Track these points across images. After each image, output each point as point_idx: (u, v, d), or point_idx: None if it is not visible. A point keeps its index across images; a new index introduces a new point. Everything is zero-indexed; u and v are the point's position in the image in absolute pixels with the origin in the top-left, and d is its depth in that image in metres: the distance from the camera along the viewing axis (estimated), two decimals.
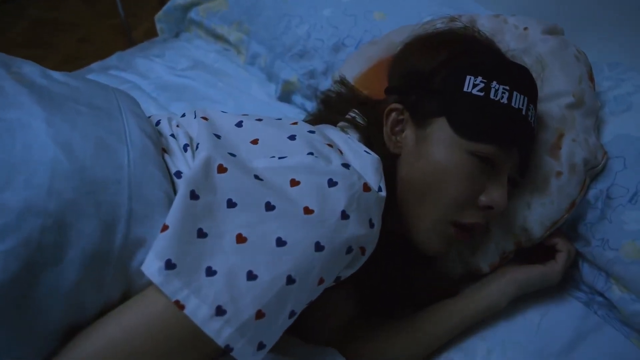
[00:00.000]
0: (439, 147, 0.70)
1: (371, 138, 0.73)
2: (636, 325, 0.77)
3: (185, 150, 0.64)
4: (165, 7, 1.46)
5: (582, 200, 0.81)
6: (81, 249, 0.51)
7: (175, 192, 0.60)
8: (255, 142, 0.63)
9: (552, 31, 0.89)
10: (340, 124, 0.76)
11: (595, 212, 0.80)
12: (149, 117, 0.71)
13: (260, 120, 0.67)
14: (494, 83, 0.69)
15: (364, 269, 0.63)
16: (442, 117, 0.70)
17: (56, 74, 0.65)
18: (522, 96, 0.70)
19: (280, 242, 0.54)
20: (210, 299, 0.50)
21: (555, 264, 0.79)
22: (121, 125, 0.61)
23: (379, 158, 0.65)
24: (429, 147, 0.70)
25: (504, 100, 0.69)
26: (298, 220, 0.55)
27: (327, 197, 0.57)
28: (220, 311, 0.50)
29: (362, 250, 0.61)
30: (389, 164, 0.70)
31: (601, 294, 0.81)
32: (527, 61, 0.83)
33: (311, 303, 0.59)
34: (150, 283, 0.52)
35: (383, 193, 0.62)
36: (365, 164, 0.64)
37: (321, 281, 0.56)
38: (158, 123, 0.70)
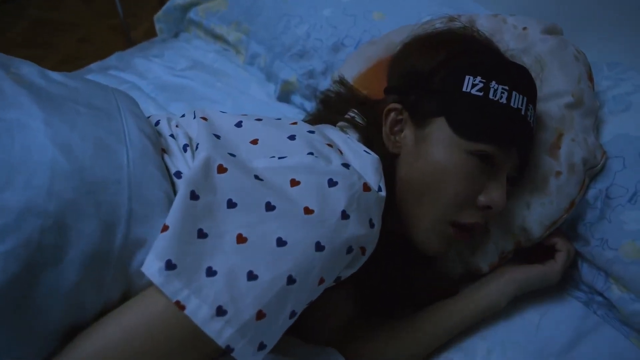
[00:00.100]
0: (438, 147, 0.70)
1: (370, 138, 0.73)
2: (636, 325, 0.78)
3: (185, 151, 0.64)
4: (164, 7, 1.46)
5: (582, 200, 0.81)
6: (81, 250, 0.51)
7: (175, 192, 0.60)
8: (255, 142, 0.63)
9: (551, 31, 0.89)
10: (340, 123, 0.76)
11: (595, 212, 0.80)
12: (148, 117, 0.71)
13: (259, 120, 0.67)
14: (493, 83, 0.69)
15: (364, 269, 0.64)
16: (441, 117, 0.70)
17: (55, 75, 0.65)
18: (521, 96, 0.70)
19: (280, 242, 0.54)
20: (211, 299, 0.50)
21: (555, 263, 0.79)
22: (120, 126, 0.61)
23: (379, 158, 0.66)
24: (428, 147, 0.71)
25: (503, 100, 0.69)
26: (298, 220, 0.55)
27: (327, 197, 0.57)
28: (220, 311, 0.50)
29: (363, 250, 0.61)
30: (388, 164, 0.70)
31: (600, 294, 0.81)
32: (527, 61, 0.83)
33: (311, 303, 0.59)
34: (150, 283, 0.52)
35: (383, 193, 0.62)
36: (365, 163, 0.64)
37: (321, 281, 0.56)
38: (157, 123, 0.70)
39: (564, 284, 0.85)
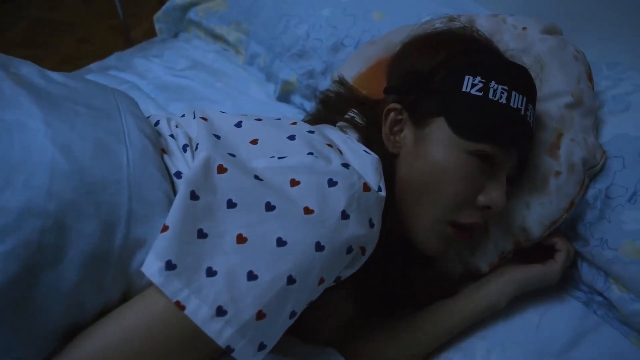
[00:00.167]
0: (438, 147, 0.70)
1: (370, 138, 0.73)
2: (635, 325, 0.78)
3: (185, 151, 0.64)
4: (164, 7, 1.46)
5: (581, 200, 0.81)
6: (81, 250, 0.51)
7: (175, 192, 0.60)
8: (254, 142, 0.63)
9: (550, 31, 0.89)
10: (339, 123, 0.76)
11: (594, 211, 0.80)
12: (148, 117, 0.71)
13: (259, 120, 0.67)
14: (493, 83, 0.69)
15: (364, 269, 0.64)
16: (441, 117, 0.70)
17: (54, 75, 0.65)
18: (520, 96, 0.70)
19: (280, 242, 0.54)
20: (211, 299, 0.50)
21: (555, 263, 0.79)
22: (120, 126, 0.61)
23: (379, 158, 0.66)
24: (428, 147, 0.71)
25: (503, 100, 0.69)
26: (298, 220, 0.55)
27: (327, 197, 0.57)
28: (220, 312, 0.50)
29: (362, 250, 0.61)
30: (388, 164, 0.70)
31: (600, 294, 0.82)
32: (526, 61, 0.83)
33: (311, 303, 0.59)
34: (150, 283, 0.52)
35: (383, 193, 0.62)
36: (365, 163, 0.64)
37: (321, 281, 0.56)
38: (157, 123, 0.70)
39: (564, 283, 0.85)
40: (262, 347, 0.53)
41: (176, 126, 0.68)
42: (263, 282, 0.52)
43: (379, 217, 0.62)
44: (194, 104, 1.17)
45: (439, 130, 0.70)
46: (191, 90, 1.24)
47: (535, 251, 0.82)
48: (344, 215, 0.57)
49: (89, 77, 1.25)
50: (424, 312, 0.78)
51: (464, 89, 0.70)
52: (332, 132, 0.71)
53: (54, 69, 0.68)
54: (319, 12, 1.17)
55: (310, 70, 1.16)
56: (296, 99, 1.21)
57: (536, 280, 0.79)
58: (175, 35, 1.47)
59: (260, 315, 0.52)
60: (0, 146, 0.51)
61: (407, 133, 0.73)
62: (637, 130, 0.82)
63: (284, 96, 1.23)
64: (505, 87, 0.70)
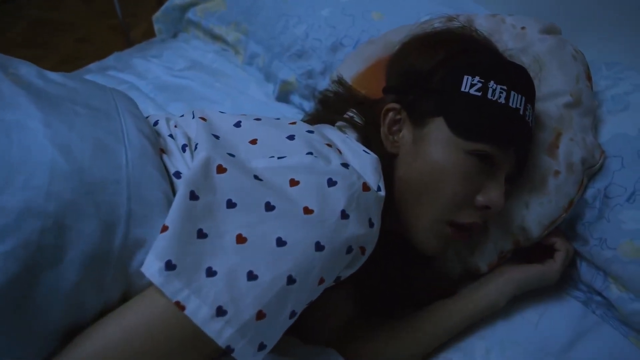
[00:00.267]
0: (437, 146, 0.70)
1: (369, 138, 0.73)
2: (634, 324, 0.78)
3: (184, 151, 0.64)
4: (163, 8, 1.46)
5: (580, 200, 0.81)
6: (81, 250, 0.51)
7: (174, 192, 0.60)
8: (254, 142, 0.63)
9: (549, 30, 0.89)
10: (338, 123, 0.76)
11: (593, 211, 0.80)
12: (147, 117, 0.71)
13: (258, 120, 0.67)
14: (492, 83, 0.69)
15: (363, 268, 0.64)
16: (440, 117, 0.70)
17: (53, 75, 0.65)
18: (519, 96, 0.71)
19: (280, 242, 0.54)
20: (211, 299, 0.50)
21: (554, 263, 0.79)
22: (119, 126, 0.61)
23: (378, 158, 0.66)
24: (427, 147, 0.71)
25: (502, 100, 0.69)
26: (298, 220, 0.55)
27: (327, 197, 0.57)
28: (220, 312, 0.50)
29: (362, 250, 0.61)
30: (387, 164, 0.70)
31: (599, 293, 0.82)
32: (525, 61, 0.83)
33: (311, 303, 0.59)
34: (150, 284, 0.52)
35: (382, 192, 0.62)
36: (364, 163, 0.64)
37: (321, 281, 0.56)
38: (156, 123, 0.70)
39: (563, 283, 0.85)
40: (262, 347, 0.53)
41: (175, 126, 0.68)
42: (263, 282, 0.52)
43: (378, 216, 0.62)
44: (193, 104, 1.17)
45: (438, 130, 0.70)
46: (190, 91, 1.24)
47: (534, 251, 0.82)
48: (344, 215, 0.57)
49: (88, 77, 1.25)
50: (424, 312, 0.78)
51: (462, 89, 0.70)
52: (331, 132, 0.71)
53: (53, 69, 0.68)
54: (318, 12, 1.18)
55: (309, 70, 1.16)
56: (295, 99, 1.21)
57: (535, 280, 0.79)
58: (174, 36, 1.47)
59: (260, 315, 0.52)
60: None
61: (406, 133, 0.73)
62: (636, 130, 0.82)
63: (283, 96, 1.23)
64: (504, 87, 0.70)
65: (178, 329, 0.51)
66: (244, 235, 0.54)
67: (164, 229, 0.52)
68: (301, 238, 0.55)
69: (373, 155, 0.65)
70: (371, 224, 0.60)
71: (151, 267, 0.51)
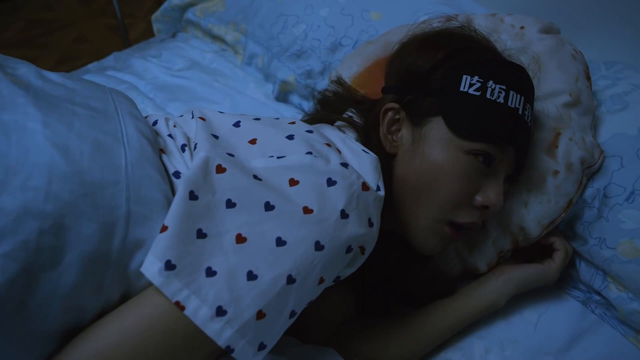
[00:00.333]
0: (435, 146, 0.70)
1: (368, 137, 0.73)
2: (634, 324, 0.78)
3: (183, 151, 0.64)
4: (162, 8, 1.46)
5: (579, 199, 0.81)
6: (79, 251, 0.51)
7: (173, 192, 0.59)
8: (253, 142, 0.63)
9: (548, 30, 0.89)
10: (338, 123, 0.76)
11: (592, 211, 0.80)
12: (146, 117, 0.71)
13: (258, 120, 0.67)
14: (491, 82, 0.69)
15: (363, 268, 0.64)
16: (439, 117, 0.70)
17: (52, 75, 0.65)
18: (518, 95, 0.71)
19: (280, 242, 0.54)
20: (211, 299, 0.50)
21: (553, 262, 0.79)
22: (118, 126, 0.61)
23: (377, 157, 0.66)
24: (425, 147, 0.70)
25: (500, 100, 0.69)
26: (297, 220, 0.55)
27: (327, 197, 0.57)
28: (220, 312, 0.50)
29: (362, 249, 0.61)
30: (386, 164, 0.70)
31: (598, 293, 0.82)
32: (524, 60, 0.83)
33: (311, 303, 0.59)
34: (149, 284, 0.52)
35: (382, 192, 0.62)
36: (364, 163, 0.64)
37: (321, 281, 0.56)
38: (155, 123, 0.69)
39: (562, 283, 0.85)
40: (262, 347, 0.53)
41: (174, 126, 0.68)
42: (263, 282, 0.52)
43: (378, 216, 0.62)
44: (192, 104, 1.17)
45: (437, 130, 0.70)
46: (189, 91, 1.24)
47: (533, 250, 0.82)
48: (343, 215, 0.57)
49: (87, 77, 1.25)
50: (423, 311, 0.78)
51: (461, 89, 0.70)
52: (331, 132, 0.71)
53: (51, 69, 0.67)
54: (317, 12, 1.17)
55: (308, 70, 1.16)
56: (294, 98, 1.21)
57: (535, 280, 0.79)
58: (173, 36, 1.47)
59: (260, 315, 0.52)
60: None
61: (405, 133, 0.73)
62: (635, 130, 0.82)
63: (282, 96, 1.23)
64: (503, 87, 0.70)
65: (178, 329, 0.51)
66: (243, 235, 0.54)
67: (164, 229, 0.52)
68: (301, 238, 0.55)
69: (372, 155, 0.65)
70: (371, 224, 0.60)
71: (151, 267, 0.51)
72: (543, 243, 0.82)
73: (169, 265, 0.51)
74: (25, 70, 0.63)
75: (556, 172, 0.79)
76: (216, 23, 1.36)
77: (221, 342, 0.50)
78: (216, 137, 0.63)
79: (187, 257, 0.52)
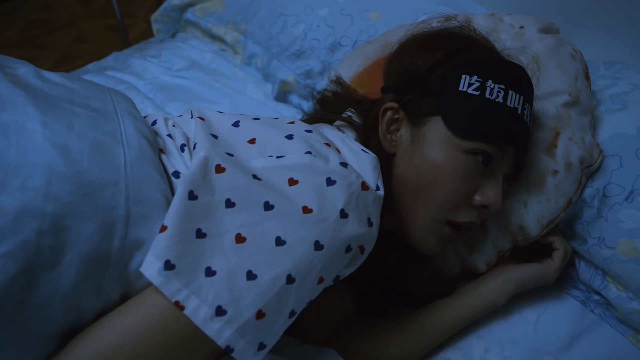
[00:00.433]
0: (434, 146, 0.70)
1: (367, 137, 0.73)
2: (633, 323, 0.78)
3: (183, 150, 0.64)
4: (161, 8, 1.46)
5: (579, 199, 0.81)
6: (79, 252, 0.51)
7: (173, 192, 0.59)
8: (252, 141, 0.63)
9: (548, 30, 0.89)
10: (337, 123, 0.76)
11: (592, 210, 0.80)
12: (145, 117, 0.71)
13: (257, 119, 0.67)
14: (490, 82, 0.69)
15: (362, 267, 0.64)
16: (438, 116, 0.70)
17: (51, 75, 0.65)
18: (517, 95, 0.71)
19: (279, 242, 0.54)
20: (210, 299, 0.50)
21: (552, 262, 0.79)
22: (117, 126, 0.60)
23: (377, 157, 0.66)
24: (424, 147, 0.71)
25: (500, 100, 0.69)
26: (297, 220, 0.55)
27: (326, 196, 0.57)
28: (220, 312, 0.50)
29: (361, 249, 0.61)
30: (385, 163, 0.70)
31: (598, 292, 0.82)
32: (523, 60, 0.83)
33: (310, 302, 0.59)
34: (149, 284, 0.52)
35: (381, 192, 0.62)
36: (363, 162, 0.64)
37: (321, 280, 0.56)
38: (154, 123, 0.69)
39: (562, 282, 0.85)
40: (261, 347, 0.53)
41: (173, 126, 0.68)
42: (262, 281, 0.52)
43: (377, 216, 0.62)
44: (191, 104, 1.17)
45: (436, 130, 0.70)
46: (189, 91, 1.24)
47: (532, 250, 0.82)
48: (343, 214, 0.57)
49: (86, 77, 1.25)
50: (423, 311, 0.78)
51: (460, 88, 0.70)
52: (330, 131, 0.71)
53: (51, 69, 0.67)
54: (316, 12, 1.17)
55: (307, 70, 1.16)
56: (294, 98, 1.21)
57: (534, 279, 0.79)
58: (173, 36, 1.47)
59: (259, 315, 0.52)
60: None
61: (404, 132, 0.73)
62: (634, 129, 0.82)
63: (282, 96, 1.23)
64: (502, 86, 0.70)
65: (177, 329, 0.51)
66: (243, 234, 0.54)
67: (163, 228, 0.52)
68: (300, 237, 0.55)
69: (372, 155, 0.65)
70: (370, 223, 0.60)
71: (150, 267, 0.51)
72: (542, 243, 0.82)
73: (169, 265, 0.51)
74: (25, 70, 0.63)
75: (555, 172, 0.79)
76: (215, 23, 1.36)
77: (221, 342, 0.50)
78: (215, 137, 0.63)
79: (187, 257, 0.52)
